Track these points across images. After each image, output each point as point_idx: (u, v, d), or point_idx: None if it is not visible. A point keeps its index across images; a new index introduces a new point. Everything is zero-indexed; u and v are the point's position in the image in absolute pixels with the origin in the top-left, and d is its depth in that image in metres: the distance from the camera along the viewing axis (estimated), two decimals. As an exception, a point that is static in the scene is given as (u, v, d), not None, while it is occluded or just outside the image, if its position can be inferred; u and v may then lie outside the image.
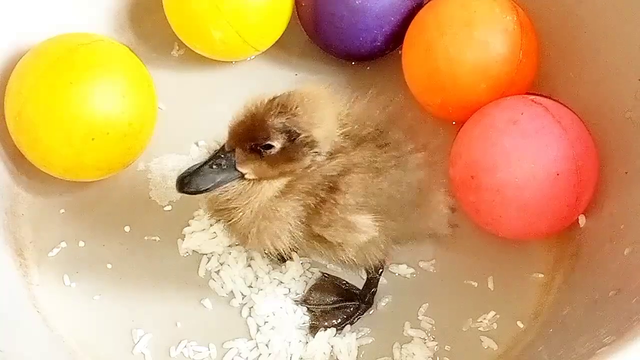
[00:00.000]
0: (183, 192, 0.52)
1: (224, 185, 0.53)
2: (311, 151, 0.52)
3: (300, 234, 0.54)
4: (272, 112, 0.51)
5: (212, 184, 0.52)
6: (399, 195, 0.54)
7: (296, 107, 0.51)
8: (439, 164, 0.57)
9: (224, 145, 0.53)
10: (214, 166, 0.52)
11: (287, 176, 0.53)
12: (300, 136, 0.51)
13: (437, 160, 0.56)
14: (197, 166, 0.52)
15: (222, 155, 0.52)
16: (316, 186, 0.53)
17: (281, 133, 0.51)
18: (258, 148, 0.51)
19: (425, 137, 0.56)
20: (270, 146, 0.51)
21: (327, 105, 0.52)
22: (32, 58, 0.66)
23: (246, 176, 0.53)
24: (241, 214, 0.53)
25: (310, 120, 0.51)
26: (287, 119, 0.50)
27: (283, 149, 0.51)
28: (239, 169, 0.52)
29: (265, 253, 0.64)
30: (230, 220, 0.54)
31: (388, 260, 0.59)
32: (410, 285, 0.65)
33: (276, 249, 0.54)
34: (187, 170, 0.52)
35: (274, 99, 0.51)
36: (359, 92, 0.56)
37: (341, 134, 0.53)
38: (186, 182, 0.52)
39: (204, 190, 0.52)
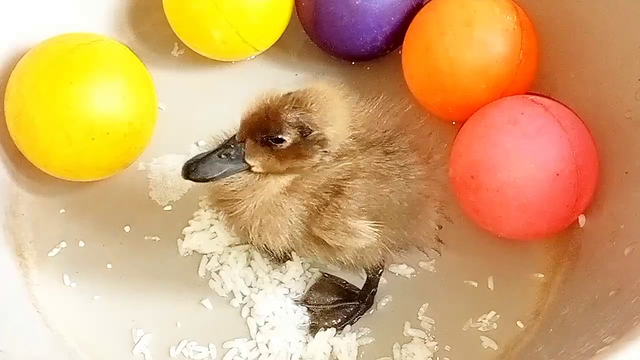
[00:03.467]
0: (189, 179, 0.52)
1: (231, 176, 0.53)
2: (321, 149, 0.52)
3: (300, 233, 0.54)
4: (286, 106, 0.50)
5: (219, 173, 0.52)
6: (399, 204, 0.54)
7: (311, 104, 0.51)
8: (438, 178, 0.57)
9: (234, 136, 0.52)
10: (223, 155, 0.52)
11: (294, 173, 0.53)
12: (313, 133, 0.51)
13: (436, 174, 0.56)
14: (206, 154, 0.52)
15: (232, 145, 0.52)
16: (321, 188, 0.53)
17: (294, 128, 0.50)
18: (269, 141, 0.51)
19: (430, 148, 0.56)
20: (282, 140, 0.51)
21: (341, 105, 0.52)
22: (32, 58, 0.66)
23: (253, 169, 0.52)
24: (244, 207, 0.53)
25: (324, 118, 0.51)
26: (301, 114, 0.50)
27: (294, 144, 0.51)
28: (248, 160, 0.52)
29: (264, 251, 0.64)
30: (232, 213, 0.54)
31: (387, 262, 0.59)
32: (410, 285, 0.65)
33: (275, 246, 0.54)
34: (195, 158, 0.52)
35: (289, 93, 0.51)
36: (359, 92, 0.56)
37: (350, 136, 0.53)
38: (193, 170, 0.52)
39: (210, 178, 0.52)
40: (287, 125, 0.50)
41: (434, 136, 0.57)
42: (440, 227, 0.59)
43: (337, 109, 0.52)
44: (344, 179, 0.52)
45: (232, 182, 0.53)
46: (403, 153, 0.54)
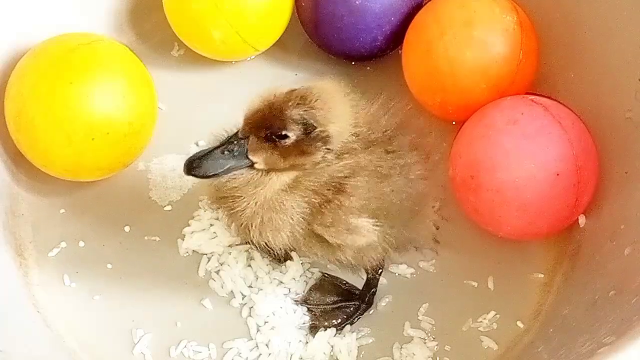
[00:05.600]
0: (191, 175, 0.52)
1: (233, 172, 0.53)
2: (324, 147, 0.52)
3: (301, 231, 0.54)
4: (290, 103, 0.50)
5: (221, 170, 0.52)
6: (399, 202, 0.54)
7: (315, 101, 0.51)
8: (437, 178, 0.57)
9: (237, 132, 0.52)
10: (226, 152, 0.52)
11: (296, 170, 0.53)
12: (316, 130, 0.51)
13: (435, 175, 0.56)
14: (208, 150, 0.52)
15: (235, 142, 0.52)
16: (323, 185, 0.53)
17: (298, 124, 0.50)
18: (273, 137, 0.51)
19: (429, 148, 0.56)
20: (285, 136, 0.51)
21: (344, 103, 0.52)
22: (32, 58, 0.66)
23: (256, 165, 0.52)
24: (245, 203, 0.53)
25: (328, 116, 0.51)
26: (305, 111, 0.50)
27: (297, 141, 0.51)
28: (250, 157, 0.52)
29: (264, 251, 0.64)
30: (233, 209, 0.54)
31: (387, 262, 0.59)
32: (410, 285, 0.65)
33: (275, 244, 0.54)
34: (198, 154, 0.52)
35: (294, 90, 0.51)
36: (359, 92, 0.56)
37: (352, 134, 0.53)
38: (195, 166, 0.51)
39: (212, 175, 0.52)
40: (291, 121, 0.50)
41: (434, 136, 0.57)
42: (438, 228, 0.60)
43: (340, 106, 0.52)
44: (346, 177, 0.52)
45: (233, 178, 0.53)
46: (403, 152, 0.54)
